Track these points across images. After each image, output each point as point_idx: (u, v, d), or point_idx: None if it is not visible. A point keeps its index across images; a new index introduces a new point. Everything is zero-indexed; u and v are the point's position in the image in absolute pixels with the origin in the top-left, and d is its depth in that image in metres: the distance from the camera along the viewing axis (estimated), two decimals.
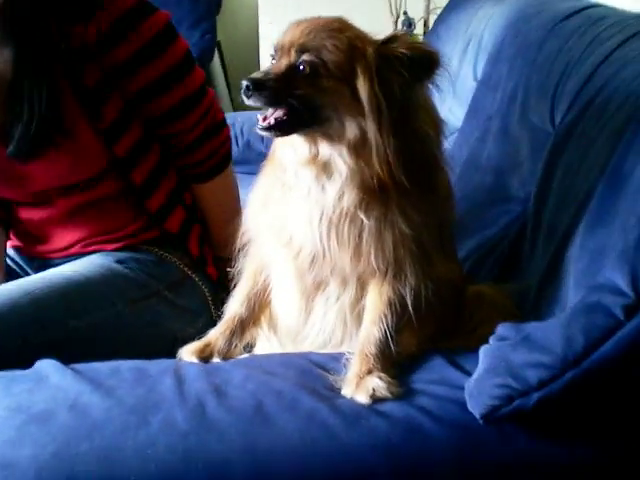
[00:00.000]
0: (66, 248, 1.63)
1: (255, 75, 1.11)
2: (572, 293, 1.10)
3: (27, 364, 1.24)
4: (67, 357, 1.26)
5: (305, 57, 1.10)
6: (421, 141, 1.15)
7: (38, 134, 1.42)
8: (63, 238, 1.62)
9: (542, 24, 1.81)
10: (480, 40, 2.23)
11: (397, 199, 1.14)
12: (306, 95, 1.10)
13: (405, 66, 1.08)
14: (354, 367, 1.16)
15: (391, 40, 1.11)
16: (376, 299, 1.19)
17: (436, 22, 2.71)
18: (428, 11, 3.23)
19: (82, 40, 1.41)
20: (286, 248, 1.22)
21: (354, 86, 1.10)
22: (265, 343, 1.39)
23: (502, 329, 1.09)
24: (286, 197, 1.22)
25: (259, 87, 1.09)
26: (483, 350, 1.03)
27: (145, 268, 1.59)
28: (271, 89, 1.10)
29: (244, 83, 1.10)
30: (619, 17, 1.58)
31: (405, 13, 3.30)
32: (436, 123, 1.22)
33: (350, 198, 1.14)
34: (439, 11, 2.90)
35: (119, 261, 1.58)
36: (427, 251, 1.18)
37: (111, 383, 1.16)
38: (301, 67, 1.10)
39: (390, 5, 3.32)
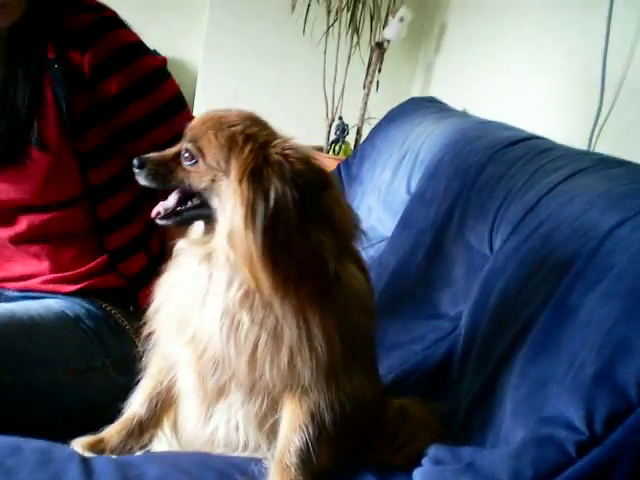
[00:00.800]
0: (22, 279, 1.56)
1: (145, 155, 1.14)
2: (509, 420, 1.08)
3: None
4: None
5: (188, 145, 1.11)
6: (312, 250, 1.07)
7: (10, 144, 1.45)
8: (21, 265, 1.56)
9: (483, 148, 1.86)
10: (417, 155, 2.27)
11: (290, 307, 1.07)
12: (181, 179, 1.11)
13: (282, 173, 1.04)
14: (274, 478, 1.08)
15: (276, 145, 1.09)
16: (295, 407, 1.11)
17: (373, 130, 2.75)
18: (362, 120, 3.30)
19: (76, 66, 1.45)
20: (188, 347, 1.14)
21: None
22: (164, 445, 1.28)
23: (435, 451, 1.05)
24: (188, 286, 1.16)
25: (141, 165, 1.12)
26: (420, 473, 0.99)
27: (99, 332, 1.52)
28: (150, 169, 1.12)
29: (134, 161, 1.12)
30: (564, 151, 1.63)
31: (340, 118, 3.37)
32: (343, 229, 1.15)
33: (234, 295, 1.09)
34: (373, 121, 2.97)
35: (76, 316, 1.51)
36: (332, 365, 1.09)
37: (11, 463, 1.04)
38: (186, 154, 1.11)
39: (327, 108, 3.38)
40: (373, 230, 2.36)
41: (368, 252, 2.27)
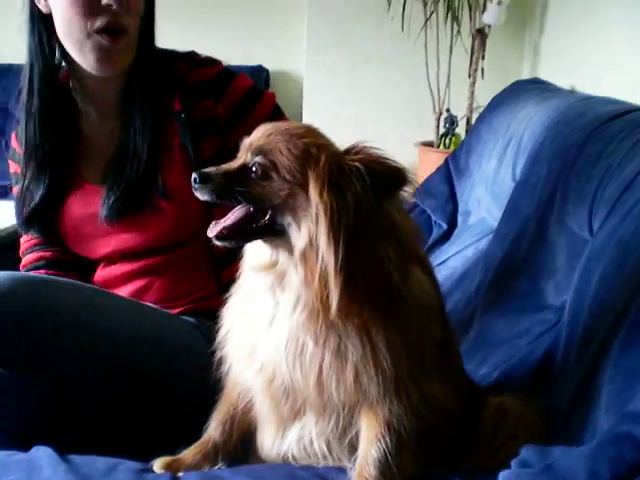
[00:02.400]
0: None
1: (206, 169, 1.09)
2: (604, 417, 1.01)
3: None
4: (103, 381, 1.32)
5: (258, 159, 1.06)
6: (380, 264, 1.04)
7: (136, 192, 1.52)
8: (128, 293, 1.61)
9: (583, 126, 1.76)
10: (520, 140, 2.19)
11: (354, 326, 1.04)
12: (253, 194, 1.06)
13: (361, 179, 1.01)
14: None
15: (350, 151, 1.05)
16: (371, 419, 1.09)
17: (478, 120, 2.68)
18: (471, 109, 3.22)
19: (209, 114, 1.57)
20: (258, 375, 1.13)
21: (306, 193, 1.03)
22: None
23: (526, 452, 0.99)
24: (253, 314, 1.14)
25: (205, 180, 1.07)
26: (502, 477, 0.94)
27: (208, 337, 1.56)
28: (217, 184, 1.07)
29: (193, 175, 1.08)
30: None
31: (448, 110, 3.30)
32: (407, 238, 1.12)
33: (298, 317, 1.05)
34: (482, 110, 2.89)
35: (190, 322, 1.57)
36: (399, 378, 1.06)
37: None
38: (253, 168, 1.06)
39: (433, 102, 3.32)
40: (483, 222, 2.29)
41: (478, 245, 2.21)
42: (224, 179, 1.08)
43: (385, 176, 1.04)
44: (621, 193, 1.36)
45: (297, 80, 3.82)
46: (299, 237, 1.04)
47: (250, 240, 1.11)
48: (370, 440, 1.08)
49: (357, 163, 1.02)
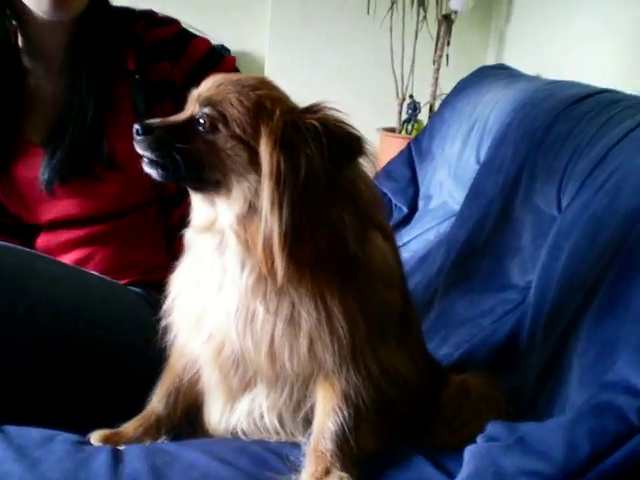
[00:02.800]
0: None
1: (149, 120, 1.00)
2: (576, 391, 0.96)
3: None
4: (42, 350, 1.23)
5: (206, 110, 0.98)
6: (334, 230, 0.97)
7: (78, 161, 1.43)
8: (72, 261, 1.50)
9: (550, 108, 1.72)
10: (485, 123, 2.15)
11: (307, 292, 0.97)
12: (193, 150, 0.98)
13: (317, 140, 0.93)
14: (309, 467, 0.98)
15: (309, 110, 0.97)
16: (326, 391, 1.02)
17: (442, 104, 2.64)
18: (434, 96, 3.19)
19: (164, 76, 1.48)
20: (207, 344, 1.05)
21: (254, 149, 0.96)
22: None
23: (492, 428, 0.94)
24: (201, 280, 1.06)
25: (147, 131, 0.99)
26: (469, 451, 0.88)
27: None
28: (157, 136, 0.99)
29: (135, 126, 0.99)
30: (633, 101, 1.49)
31: (411, 96, 3.26)
32: (366, 204, 1.04)
33: (246, 281, 0.98)
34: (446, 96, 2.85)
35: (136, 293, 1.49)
36: (356, 346, 0.98)
37: (38, 454, 1.00)
38: (201, 120, 0.98)
39: (397, 88, 3.27)
40: (444, 205, 2.25)
41: (440, 228, 2.17)
42: (166, 132, 1.00)
43: (343, 141, 0.96)
44: (592, 169, 1.32)
45: (259, 61, 3.73)
46: (240, 198, 0.96)
47: (181, 181, 1.02)
48: (327, 413, 1.00)
49: (315, 122, 0.94)
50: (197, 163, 0.98)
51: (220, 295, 1.02)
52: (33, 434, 1.05)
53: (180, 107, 1.46)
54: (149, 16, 1.54)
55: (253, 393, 1.06)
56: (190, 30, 1.59)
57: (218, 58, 1.57)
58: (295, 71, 3.58)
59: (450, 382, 1.22)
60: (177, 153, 0.98)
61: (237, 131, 0.96)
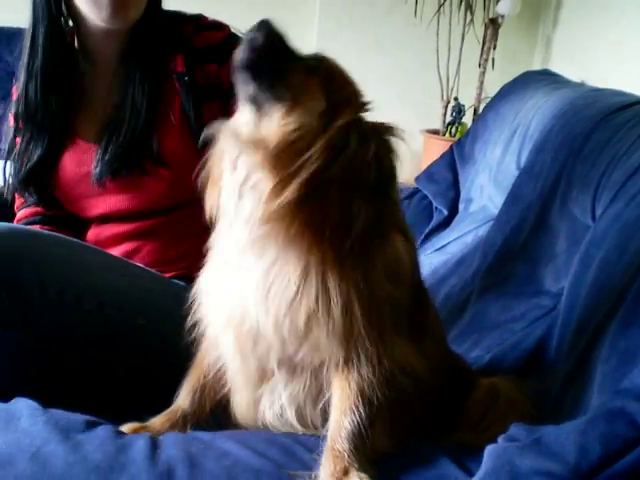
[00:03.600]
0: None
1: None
2: (596, 397, 0.99)
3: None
4: (87, 338, 1.30)
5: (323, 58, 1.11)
6: (347, 211, 0.99)
7: (129, 157, 1.49)
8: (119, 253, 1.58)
9: (591, 116, 1.74)
10: (527, 129, 2.16)
11: (313, 266, 0.99)
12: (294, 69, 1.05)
13: (386, 144, 1.05)
14: (326, 467, 1.00)
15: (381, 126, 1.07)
16: (343, 387, 1.03)
17: (485, 108, 2.65)
18: (479, 99, 3.19)
19: (212, 79, 1.53)
20: (229, 325, 1.08)
21: (333, 111, 1.03)
22: None
23: (514, 429, 0.97)
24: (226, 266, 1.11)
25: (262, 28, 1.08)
26: (488, 450, 0.91)
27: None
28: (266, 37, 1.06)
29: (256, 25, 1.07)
30: None
31: (456, 99, 3.27)
32: (393, 211, 1.10)
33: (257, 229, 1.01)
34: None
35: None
36: (352, 334, 1.00)
37: (81, 438, 1.06)
38: (313, 62, 1.09)
39: (442, 90, 3.29)
40: (484, 209, 2.27)
41: (478, 232, 2.19)
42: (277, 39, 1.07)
43: (389, 156, 1.05)
44: (626, 179, 1.33)
45: None
46: (292, 125, 1.01)
47: (257, 80, 1.06)
48: (343, 411, 1.02)
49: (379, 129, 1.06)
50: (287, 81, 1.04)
51: (242, 266, 1.05)
52: (77, 418, 1.11)
53: (228, 108, 1.53)
54: (198, 20, 1.60)
55: (272, 384, 1.09)
56: (239, 34, 1.64)
57: None
58: None
59: (480, 385, 1.25)
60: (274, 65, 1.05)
61: (333, 87, 1.07)
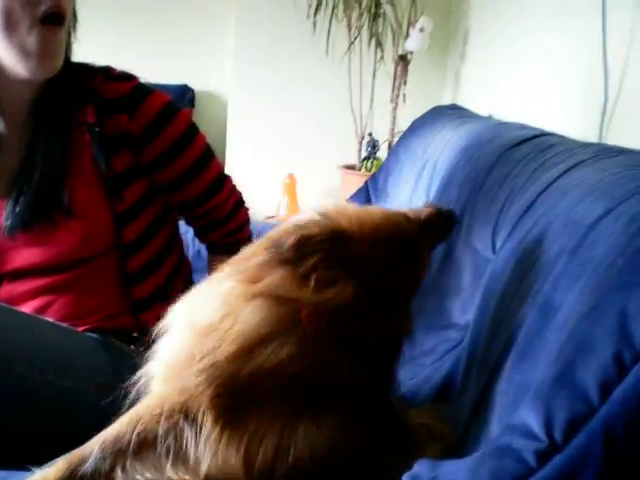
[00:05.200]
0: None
1: None
2: (495, 431, 1.01)
3: None
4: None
5: None
6: None
7: (40, 208, 1.48)
8: (30, 309, 1.55)
9: (493, 150, 1.80)
10: (435, 164, 2.23)
11: None
12: None
13: None
14: None
15: None
16: None
17: (397, 143, 2.72)
18: (393, 134, 3.27)
19: (122, 129, 1.55)
20: None
21: None
22: None
23: (418, 467, 0.99)
24: None
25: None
26: None
27: (113, 354, 1.53)
28: None
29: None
30: (566, 145, 1.56)
31: (370, 134, 3.34)
32: None
33: None
34: None
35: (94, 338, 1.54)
36: None
37: None
38: None
39: (356, 126, 3.36)
40: None
41: None
42: None
43: None
44: (522, 214, 1.38)
45: (222, 100, 3.81)
46: None
47: None
48: None
49: None
50: None
51: None
52: None
53: (140, 159, 1.54)
54: (107, 71, 1.60)
55: None
56: (148, 85, 1.65)
57: (174, 111, 1.64)
58: (258, 110, 3.65)
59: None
60: None
61: None
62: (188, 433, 1.02)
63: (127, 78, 1.61)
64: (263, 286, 1.04)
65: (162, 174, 1.61)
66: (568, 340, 0.85)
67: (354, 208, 1.19)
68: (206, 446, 1.01)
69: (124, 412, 1.19)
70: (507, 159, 1.69)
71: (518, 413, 0.83)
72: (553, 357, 0.86)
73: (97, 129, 1.53)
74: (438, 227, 1.27)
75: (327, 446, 1.04)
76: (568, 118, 2.15)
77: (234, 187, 1.82)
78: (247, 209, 1.86)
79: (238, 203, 1.82)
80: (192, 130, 1.67)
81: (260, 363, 1.02)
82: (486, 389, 1.16)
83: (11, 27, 1.39)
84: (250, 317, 1.02)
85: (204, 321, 1.05)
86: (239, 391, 1.01)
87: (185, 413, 1.02)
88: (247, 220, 1.85)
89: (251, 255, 1.11)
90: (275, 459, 1.01)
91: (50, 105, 1.52)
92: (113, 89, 1.57)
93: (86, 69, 1.60)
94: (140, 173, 1.58)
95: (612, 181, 1.20)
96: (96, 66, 1.62)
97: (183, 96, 3.73)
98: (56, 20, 1.43)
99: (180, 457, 1.03)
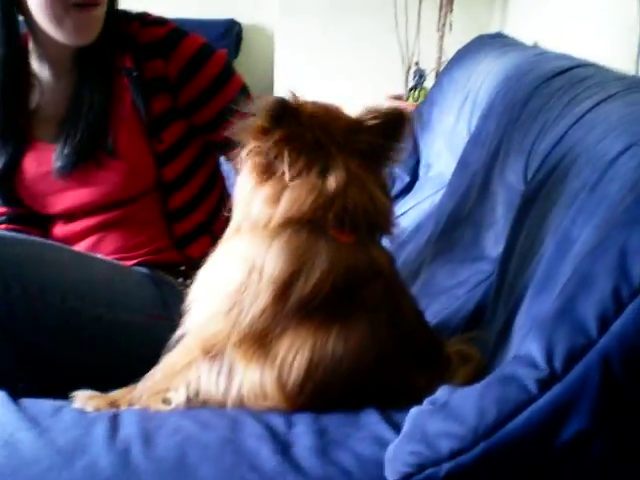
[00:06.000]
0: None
1: None
2: None
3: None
4: (55, 329, 1.39)
5: None
6: None
7: (86, 151, 1.57)
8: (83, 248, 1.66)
9: (530, 82, 1.80)
10: (477, 95, 2.23)
11: None
12: None
13: None
14: None
15: None
16: None
17: (441, 74, 2.71)
18: (440, 63, 3.24)
19: (159, 73, 1.61)
20: None
21: None
22: None
23: (440, 391, 1.05)
24: None
25: None
26: (410, 413, 1.00)
27: (161, 288, 1.63)
28: None
29: None
30: (601, 77, 1.56)
31: (417, 64, 3.32)
32: None
33: None
34: None
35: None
36: None
37: (49, 423, 1.14)
38: None
39: (402, 56, 3.34)
40: (441, 175, 2.34)
41: (435, 198, 2.26)
42: None
43: None
44: (551, 148, 1.40)
45: (269, 33, 3.82)
46: None
47: None
48: None
49: None
50: None
51: None
52: (45, 405, 1.19)
53: (177, 101, 1.60)
54: (143, 17, 1.66)
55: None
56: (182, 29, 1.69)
57: (209, 53, 1.69)
58: (304, 41, 3.65)
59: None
60: None
61: None
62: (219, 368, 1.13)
63: (162, 23, 1.67)
64: (273, 226, 1.12)
65: (199, 115, 1.67)
66: (572, 275, 0.90)
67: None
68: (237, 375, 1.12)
69: (172, 343, 1.31)
70: (542, 91, 1.69)
71: (524, 344, 0.89)
72: (559, 291, 0.91)
73: (135, 74, 1.60)
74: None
75: (355, 353, 1.14)
76: (612, 47, 2.12)
77: None
78: None
79: None
80: (228, 71, 1.72)
81: (294, 299, 1.11)
82: (508, 321, 1.22)
83: (49, 8, 1.48)
84: (274, 264, 1.09)
85: (232, 284, 1.13)
86: (269, 327, 1.11)
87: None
88: None
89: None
90: (307, 375, 1.12)
91: (93, 54, 1.60)
92: (149, 34, 1.63)
93: (123, 15, 1.66)
94: (178, 115, 1.64)
95: (638, 117, 1.21)
96: (133, 12, 1.68)
97: (230, 30, 3.76)
98: (91, 5, 1.51)
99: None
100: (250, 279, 1.12)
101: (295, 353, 1.12)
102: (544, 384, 0.83)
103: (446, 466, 0.86)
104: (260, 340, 1.12)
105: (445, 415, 0.90)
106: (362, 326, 1.15)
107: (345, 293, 1.14)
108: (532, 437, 0.83)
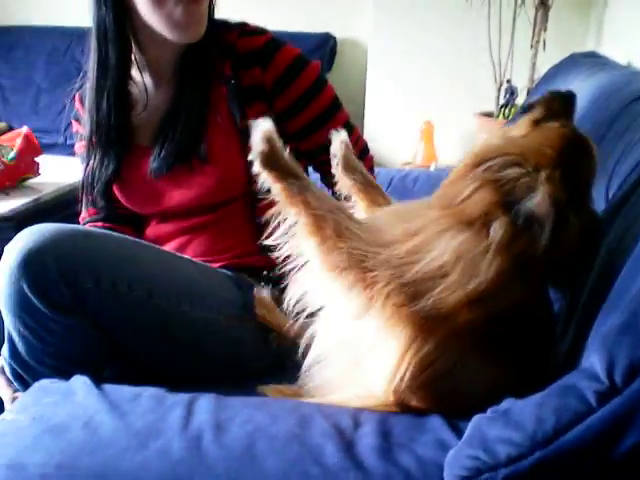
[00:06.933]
0: None
1: None
2: None
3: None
4: (140, 324, 1.46)
5: None
6: None
7: (181, 155, 1.65)
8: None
9: (619, 100, 1.79)
10: None
11: None
12: None
13: None
14: None
15: None
16: None
17: (532, 91, 2.70)
18: (532, 80, 3.22)
19: (256, 82, 1.67)
20: None
21: None
22: None
23: (505, 403, 1.07)
24: None
25: None
26: (472, 420, 1.03)
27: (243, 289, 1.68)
28: None
29: None
30: None
31: (509, 81, 3.31)
32: None
33: None
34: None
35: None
36: None
37: (127, 407, 1.22)
38: None
39: (494, 73, 3.33)
40: None
41: None
42: None
43: None
44: (633, 168, 1.40)
45: (362, 47, 3.87)
46: None
47: None
48: None
49: None
50: None
51: None
52: (125, 391, 1.27)
53: (271, 110, 1.66)
54: (242, 27, 1.73)
55: None
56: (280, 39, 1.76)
57: (304, 64, 1.75)
58: (396, 56, 3.70)
59: None
60: None
61: None
62: None
63: (260, 33, 1.73)
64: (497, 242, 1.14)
65: (291, 123, 1.72)
66: (638, 291, 0.90)
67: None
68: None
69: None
70: (630, 111, 1.68)
71: (587, 357, 0.90)
72: (624, 305, 0.92)
73: (233, 82, 1.67)
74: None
75: (482, 385, 1.16)
76: None
77: (359, 136, 1.92)
78: (372, 157, 1.95)
79: (363, 151, 1.91)
80: (320, 81, 1.77)
81: (481, 312, 1.12)
82: (578, 340, 1.22)
83: (160, 1, 1.55)
84: (487, 272, 1.11)
85: (435, 263, 1.14)
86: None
87: None
88: (371, 168, 1.92)
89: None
90: (433, 375, 1.14)
91: (194, 63, 1.68)
92: (248, 43, 1.70)
93: (224, 25, 1.73)
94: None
95: None
96: (232, 22, 1.75)
97: (325, 44, 3.83)
98: None
99: None
100: (454, 272, 1.13)
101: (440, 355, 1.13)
102: (603, 397, 0.84)
103: (503, 472, 0.89)
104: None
105: (505, 422, 0.92)
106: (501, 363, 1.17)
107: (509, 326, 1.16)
108: (588, 448, 0.85)
